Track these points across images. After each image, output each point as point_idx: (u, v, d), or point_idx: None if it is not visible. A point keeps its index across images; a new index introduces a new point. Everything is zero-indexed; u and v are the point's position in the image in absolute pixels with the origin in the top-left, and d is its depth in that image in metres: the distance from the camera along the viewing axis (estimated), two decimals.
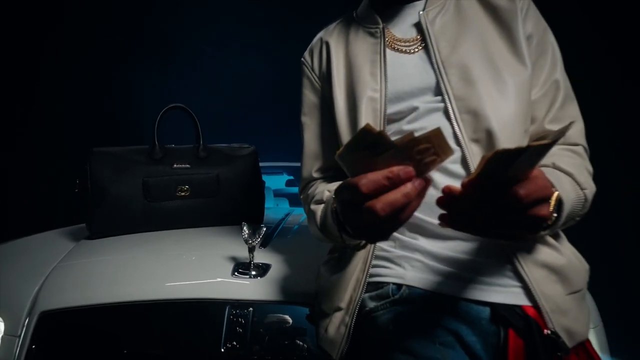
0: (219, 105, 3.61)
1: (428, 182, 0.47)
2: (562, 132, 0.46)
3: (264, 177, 1.99)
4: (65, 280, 0.97)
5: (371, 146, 0.45)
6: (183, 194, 1.36)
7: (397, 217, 0.47)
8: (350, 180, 0.49)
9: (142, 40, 3.66)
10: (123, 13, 3.62)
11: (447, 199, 0.48)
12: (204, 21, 3.79)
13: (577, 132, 0.76)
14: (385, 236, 0.52)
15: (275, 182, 2.85)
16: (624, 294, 2.12)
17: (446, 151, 0.45)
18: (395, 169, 0.45)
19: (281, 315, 0.84)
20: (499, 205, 0.46)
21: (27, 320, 0.89)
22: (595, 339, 1.10)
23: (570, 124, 0.48)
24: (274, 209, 2.26)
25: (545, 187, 0.48)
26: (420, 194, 0.47)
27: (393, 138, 0.45)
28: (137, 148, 1.39)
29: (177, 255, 1.06)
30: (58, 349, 0.85)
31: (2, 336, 0.91)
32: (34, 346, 0.84)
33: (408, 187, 0.46)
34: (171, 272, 0.96)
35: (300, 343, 0.82)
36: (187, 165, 1.39)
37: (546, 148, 0.44)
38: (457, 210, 0.49)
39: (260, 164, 1.54)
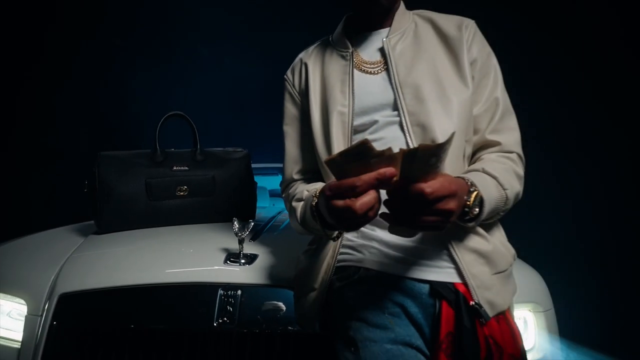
0: (218, 108, 3.74)
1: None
2: (448, 141, 0.61)
3: (261, 178, 2.13)
4: (80, 267, 1.11)
5: (363, 156, 0.60)
6: (182, 193, 1.51)
7: (367, 214, 0.63)
8: (345, 181, 0.63)
9: (138, 43, 3.79)
10: (120, 16, 3.76)
11: (390, 198, 0.63)
12: (201, 23, 3.91)
13: (513, 141, 0.91)
14: (357, 227, 0.67)
15: (271, 182, 2.97)
16: (575, 281, 2.29)
17: (391, 158, 0.61)
18: (382, 171, 0.60)
19: (265, 296, 0.99)
20: (413, 201, 0.61)
21: (47, 302, 1.03)
22: (545, 321, 1.24)
23: (452, 135, 0.62)
24: (270, 208, 2.39)
25: (449, 186, 0.62)
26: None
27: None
28: (140, 152, 1.53)
29: (177, 247, 1.20)
30: (75, 325, 0.99)
31: (26, 316, 1.06)
32: (54, 322, 0.98)
33: (374, 193, 0.61)
34: (171, 261, 1.10)
35: (281, 318, 0.97)
36: (186, 168, 1.54)
37: (437, 148, 0.58)
38: (390, 208, 0.64)
39: (257, 165, 1.68)
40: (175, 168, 1.52)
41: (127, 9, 3.77)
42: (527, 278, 1.30)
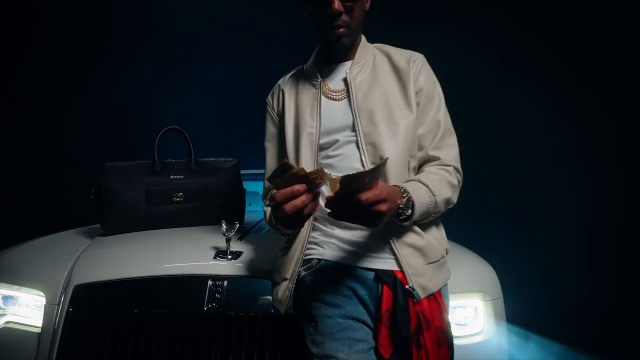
0: (214, 120, 4.00)
1: (317, 194, 0.82)
2: (381, 165, 0.80)
3: (254, 183, 2.29)
4: (91, 263, 1.30)
5: (284, 173, 0.80)
6: (178, 199, 1.70)
7: (301, 214, 0.82)
8: (273, 194, 0.83)
9: (140, 59, 4.06)
10: (124, 35, 4.03)
11: (329, 203, 0.82)
12: (201, 43, 4.20)
13: (451, 157, 1.11)
14: (299, 225, 0.87)
15: (259, 188, 3.11)
16: (522, 271, 2.58)
17: (326, 179, 0.80)
18: (295, 187, 0.80)
19: (247, 285, 1.18)
20: (352, 204, 0.80)
21: (64, 292, 1.22)
22: (493, 308, 1.43)
23: (385, 160, 0.82)
24: (260, 212, 2.57)
25: (380, 194, 0.82)
26: (314, 200, 0.82)
27: (322, 161, 0.81)
28: (140, 162, 1.72)
29: (173, 246, 1.40)
30: (88, 311, 1.18)
31: (45, 305, 1.25)
32: (70, 309, 1.17)
33: (303, 197, 0.81)
34: (168, 257, 1.29)
35: (260, 304, 1.16)
36: (182, 176, 1.73)
37: (372, 171, 0.78)
38: (333, 208, 0.83)
39: (250, 171, 1.85)
40: (172, 177, 1.72)
41: (133, 26, 4.05)
42: (478, 270, 1.49)
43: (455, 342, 1.27)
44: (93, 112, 3.80)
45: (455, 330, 1.32)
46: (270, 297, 1.15)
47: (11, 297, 1.35)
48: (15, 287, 1.34)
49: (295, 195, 0.80)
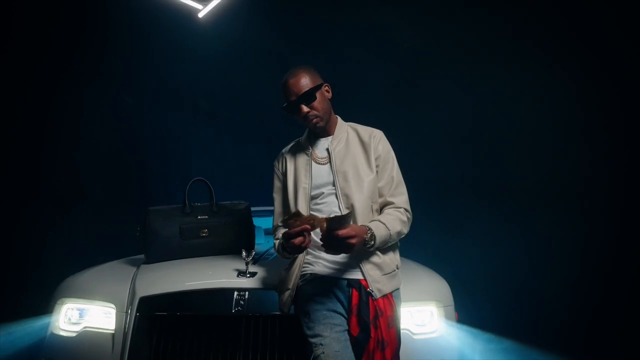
0: (229, 166, 4.86)
1: (310, 234, 1.35)
2: (348, 215, 1.34)
3: (259, 219, 2.79)
4: (147, 282, 1.79)
5: (295, 217, 1.32)
6: (204, 234, 2.20)
7: (301, 246, 1.34)
8: (288, 231, 1.36)
9: (177, 117, 5.06)
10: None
11: (322, 239, 1.34)
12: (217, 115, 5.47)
13: (402, 201, 1.63)
14: (299, 252, 1.39)
15: (265, 222, 3.57)
16: (476, 285, 3.25)
17: (320, 221, 1.33)
18: (305, 226, 1.33)
19: (261, 295, 1.68)
20: (333, 239, 1.32)
21: (131, 303, 1.71)
22: (445, 313, 1.89)
23: (349, 213, 1.35)
24: (264, 244, 3.07)
25: (351, 232, 1.33)
26: (310, 237, 1.35)
27: (313, 207, 1.38)
28: (175, 207, 2.23)
29: (205, 269, 1.89)
30: (151, 315, 1.66)
31: (116, 313, 1.73)
32: (137, 314, 1.66)
33: (303, 237, 1.34)
34: (203, 276, 1.79)
35: (271, 307, 1.65)
36: (206, 217, 2.24)
37: (342, 218, 1.31)
38: (325, 243, 1.35)
39: (257, 208, 2.34)
40: (199, 217, 2.22)
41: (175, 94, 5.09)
42: (434, 283, 1.99)
43: (416, 337, 1.78)
44: (134, 167, 4.75)
45: (416, 329, 1.82)
46: (264, 295, 1.66)
47: (84, 309, 1.83)
48: (88, 301, 1.83)
49: (300, 234, 1.33)
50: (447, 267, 2.29)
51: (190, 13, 4.93)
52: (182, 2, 4.82)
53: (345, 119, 1.80)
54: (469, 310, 2.18)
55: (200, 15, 4.97)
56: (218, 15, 4.87)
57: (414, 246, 2.18)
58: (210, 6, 4.90)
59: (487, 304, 3.13)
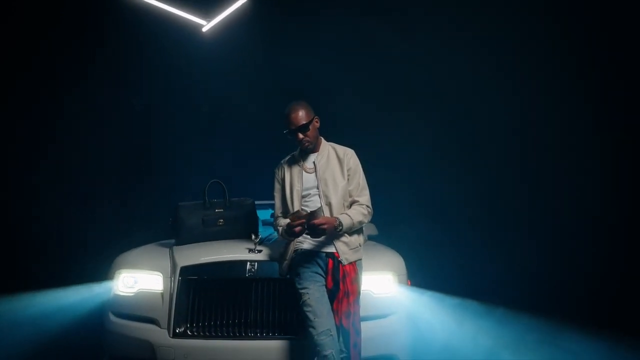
0: (239, 172, 5.66)
1: (303, 224, 2.08)
2: (318, 210, 2.07)
3: (258, 211, 3.51)
4: (183, 256, 2.49)
5: (296, 213, 2.04)
6: (220, 224, 2.89)
7: (298, 233, 2.07)
8: (290, 223, 2.08)
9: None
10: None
11: (308, 227, 2.06)
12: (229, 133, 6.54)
13: (365, 200, 2.34)
14: (297, 236, 2.12)
15: (263, 214, 4.26)
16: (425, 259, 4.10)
17: (315, 215, 2.05)
18: (302, 220, 2.05)
19: (266, 265, 2.39)
20: (312, 226, 2.03)
21: (174, 271, 2.41)
22: (398, 280, 2.62)
23: (319, 209, 2.08)
24: (262, 232, 3.78)
25: (324, 221, 2.05)
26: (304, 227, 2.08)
27: (303, 204, 2.12)
28: (198, 202, 2.91)
29: (225, 248, 2.60)
30: (189, 279, 2.37)
31: (163, 278, 2.43)
32: (179, 278, 2.36)
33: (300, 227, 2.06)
34: (226, 251, 2.50)
35: (273, 272, 2.36)
36: (222, 210, 2.92)
37: (312, 213, 2.04)
38: (309, 229, 2.06)
39: (257, 202, 3.06)
40: (216, 210, 2.91)
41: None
42: (392, 258, 2.71)
43: (375, 296, 2.50)
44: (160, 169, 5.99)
45: (376, 290, 2.53)
46: (269, 266, 2.39)
47: (136, 277, 2.53)
48: (139, 270, 2.52)
49: (300, 225, 2.04)
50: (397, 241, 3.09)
51: (194, 29, 5.63)
52: (187, 18, 5.51)
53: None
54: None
55: (204, 29, 5.67)
56: (220, 32, 5.57)
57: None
58: (213, 23, 5.60)
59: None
